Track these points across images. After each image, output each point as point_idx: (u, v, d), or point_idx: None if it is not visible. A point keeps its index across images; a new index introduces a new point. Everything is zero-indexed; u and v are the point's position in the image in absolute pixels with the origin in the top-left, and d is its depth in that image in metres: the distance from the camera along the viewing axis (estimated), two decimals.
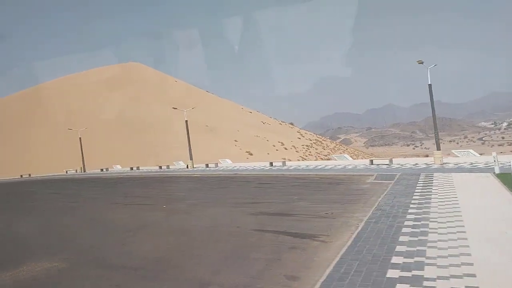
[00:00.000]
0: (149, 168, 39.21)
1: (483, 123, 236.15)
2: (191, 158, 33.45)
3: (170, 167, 36.63)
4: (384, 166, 20.02)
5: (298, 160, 72.79)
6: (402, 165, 19.80)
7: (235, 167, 29.79)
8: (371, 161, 21.57)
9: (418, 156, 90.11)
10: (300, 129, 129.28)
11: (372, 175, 17.09)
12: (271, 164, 27.43)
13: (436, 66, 20.15)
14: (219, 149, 74.46)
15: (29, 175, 45.61)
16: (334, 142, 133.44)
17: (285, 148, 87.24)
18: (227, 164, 33.26)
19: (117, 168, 43.33)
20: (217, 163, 32.35)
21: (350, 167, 21.37)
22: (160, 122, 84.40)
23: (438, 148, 19.63)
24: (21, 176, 45.55)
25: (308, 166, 24.78)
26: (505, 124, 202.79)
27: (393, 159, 20.53)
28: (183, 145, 73.51)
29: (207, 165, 32.19)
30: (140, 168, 38.84)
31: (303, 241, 8.08)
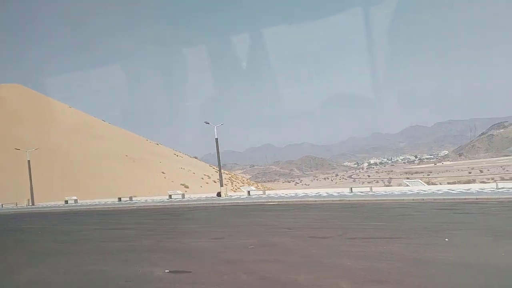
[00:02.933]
0: (150, 198, 31.89)
1: (347, 163, 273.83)
2: (221, 185, 28.82)
3: (173, 196, 30.70)
4: (501, 190, 20.94)
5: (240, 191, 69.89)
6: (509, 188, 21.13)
7: (284, 194, 26.77)
8: (499, 185, 22.27)
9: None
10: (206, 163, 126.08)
11: None
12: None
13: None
14: (150, 181, 66.27)
15: None
16: (244, 177, 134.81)
17: (214, 181, 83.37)
18: (272, 193, 29.76)
19: (82, 201, 33.97)
20: (249, 191, 28.39)
21: (438, 192, 21.67)
22: (54, 150, 69.62)
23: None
24: None
25: (403, 192, 23.83)
26: (366, 164, 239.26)
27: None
28: (96, 175, 61.86)
29: (249, 193, 28.08)
30: (133, 199, 31.13)
31: None
